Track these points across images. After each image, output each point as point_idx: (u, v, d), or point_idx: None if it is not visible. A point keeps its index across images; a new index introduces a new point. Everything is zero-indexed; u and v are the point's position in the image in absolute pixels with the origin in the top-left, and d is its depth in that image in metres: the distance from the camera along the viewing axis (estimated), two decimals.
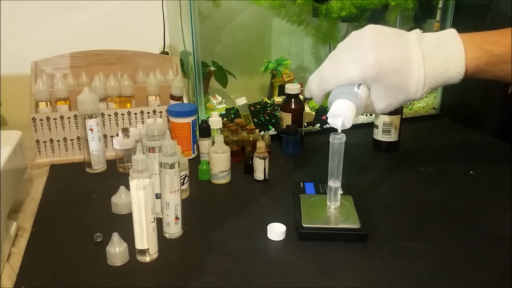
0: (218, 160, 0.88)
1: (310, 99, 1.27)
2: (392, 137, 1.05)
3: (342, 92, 0.68)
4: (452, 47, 0.69)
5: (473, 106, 1.23)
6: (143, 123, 1.02)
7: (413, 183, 0.92)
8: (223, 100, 1.21)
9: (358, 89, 0.68)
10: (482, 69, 0.69)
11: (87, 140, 0.93)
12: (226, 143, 0.91)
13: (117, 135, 0.99)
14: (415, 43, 0.69)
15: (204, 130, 0.96)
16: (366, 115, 1.24)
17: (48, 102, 1.02)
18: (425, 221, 0.77)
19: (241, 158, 0.99)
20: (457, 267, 0.65)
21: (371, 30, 0.70)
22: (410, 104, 1.33)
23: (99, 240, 0.70)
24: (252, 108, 1.20)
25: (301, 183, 0.85)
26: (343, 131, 0.70)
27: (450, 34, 0.70)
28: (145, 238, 0.64)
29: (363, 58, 0.68)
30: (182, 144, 0.97)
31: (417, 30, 0.71)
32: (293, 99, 1.06)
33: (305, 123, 1.11)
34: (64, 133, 0.99)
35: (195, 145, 1.00)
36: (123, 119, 1.01)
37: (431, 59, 0.68)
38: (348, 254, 0.68)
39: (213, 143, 0.90)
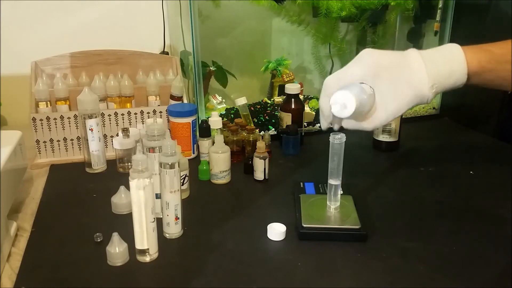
0: (218, 160, 0.88)
1: (311, 98, 1.27)
2: (392, 137, 1.05)
3: (344, 86, 0.68)
4: (450, 49, 0.70)
5: (473, 106, 1.23)
6: (143, 123, 1.02)
7: (413, 183, 0.92)
8: (223, 100, 1.21)
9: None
10: (485, 67, 0.69)
11: (87, 140, 0.93)
12: (226, 143, 0.91)
13: (117, 135, 0.99)
14: (413, 50, 0.70)
15: (204, 130, 0.96)
16: None
17: (48, 102, 1.02)
18: (425, 221, 0.77)
19: (241, 158, 0.99)
20: (457, 267, 0.65)
21: (369, 48, 0.71)
22: None
23: (99, 240, 0.70)
24: (252, 108, 1.20)
25: (301, 183, 0.85)
26: (342, 131, 0.70)
27: (448, 44, 0.71)
28: (145, 238, 0.64)
29: (362, 59, 0.69)
30: (182, 144, 0.97)
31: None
32: (293, 99, 1.06)
33: (305, 123, 1.11)
34: (64, 133, 0.99)
35: (195, 145, 1.00)
36: (123, 119, 1.01)
37: (431, 59, 0.68)
38: (348, 254, 0.68)
39: (213, 143, 0.90)
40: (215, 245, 0.70)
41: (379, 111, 0.69)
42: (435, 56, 0.69)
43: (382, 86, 0.68)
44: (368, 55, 0.69)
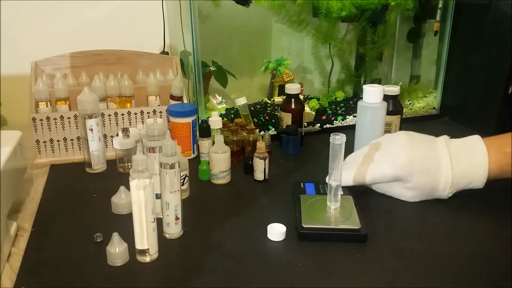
0: (218, 160, 0.88)
1: (311, 98, 1.27)
2: None
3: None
4: (476, 150, 0.76)
5: (473, 106, 1.23)
6: (143, 123, 1.02)
7: None
8: (223, 100, 1.21)
9: None
10: (505, 169, 0.76)
11: (87, 140, 0.93)
12: (226, 143, 0.91)
13: (117, 135, 0.99)
14: (444, 147, 0.76)
15: (204, 130, 0.96)
16: None
17: (48, 102, 1.02)
18: (425, 221, 0.77)
19: (241, 158, 0.99)
20: (457, 267, 0.65)
21: (403, 134, 0.80)
22: (410, 104, 1.33)
23: (99, 240, 0.70)
24: (252, 108, 1.20)
25: (301, 183, 0.85)
26: (343, 131, 0.70)
27: (474, 139, 0.78)
28: (145, 238, 0.64)
29: (396, 159, 0.78)
30: (182, 144, 0.97)
31: (445, 136, 0.80)
32: (293, 99, 1.06)
33: (305, 123, 1.11)
34: (64, 133, 0.99)
35: (195, 145, 1.00)
36: (123, 119, 1.01)
37: (458, 161, 0.75)
38: (348, 254, 0.68)
39: (213, 143, 0.90)
40: (215, 245, 0.70)
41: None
42: (462, 160, 0.76)
43: (409, 184, 0.78)
44: (404, 153, 0.77)
